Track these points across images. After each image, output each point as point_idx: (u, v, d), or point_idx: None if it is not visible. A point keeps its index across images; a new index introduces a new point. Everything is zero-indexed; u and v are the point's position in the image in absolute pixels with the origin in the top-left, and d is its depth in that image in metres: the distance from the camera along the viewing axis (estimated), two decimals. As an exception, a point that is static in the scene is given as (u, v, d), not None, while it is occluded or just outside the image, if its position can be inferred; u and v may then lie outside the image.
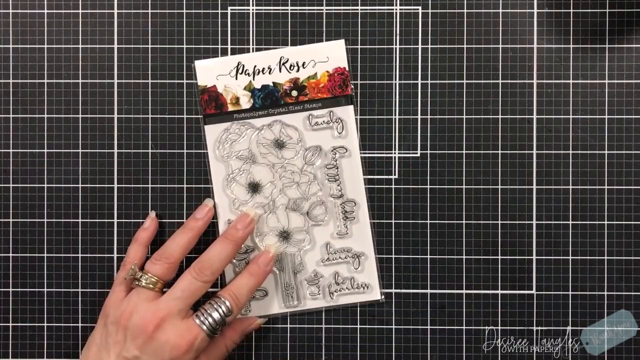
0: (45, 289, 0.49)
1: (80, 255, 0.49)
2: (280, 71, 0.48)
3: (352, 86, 0.48)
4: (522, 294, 0.48)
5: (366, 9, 0.48)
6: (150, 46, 0.49)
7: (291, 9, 0.49)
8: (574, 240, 0.48)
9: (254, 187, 0.48)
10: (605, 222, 0.48)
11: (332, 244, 0.48)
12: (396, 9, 0.48)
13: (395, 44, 0.48)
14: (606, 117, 0.48)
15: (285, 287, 0.48)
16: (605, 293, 0.48)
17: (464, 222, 0.48)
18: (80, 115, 0.49)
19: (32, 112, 0.49)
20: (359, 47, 0.48)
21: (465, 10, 0.48)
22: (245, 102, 0.48)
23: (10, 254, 0.49)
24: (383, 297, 0.48)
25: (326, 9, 0.48)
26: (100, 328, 0.43)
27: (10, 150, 0.49)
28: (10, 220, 0.49)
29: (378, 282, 0.48)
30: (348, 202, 0.48)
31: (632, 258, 0.48)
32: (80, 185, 0.49)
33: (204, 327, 0.43)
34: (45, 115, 0.49)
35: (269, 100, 0.48)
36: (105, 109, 0.49)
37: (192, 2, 0.49)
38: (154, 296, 0.43)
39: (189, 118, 0.49)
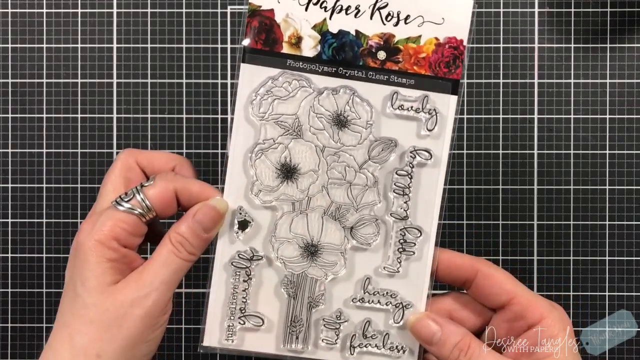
0: (44, 289, 0.49)
1: (79, 255, 0.49)
2: (371, 18, 0.33)
3: (464, 68, 0.34)
4: (522, 295, 0.48)
5: (366, 8, 0.48)
6: (149, 45, 0.49)
7: (291, 9, 0.48)
8: (574, 241, 0.48)
9: (288, 172, 0.34)
10: (607, 222, 0.48)
11: (374, 281, 0.34)
12: (397, 8, 0.48)
13: (396, 44, 0.48)
14: (607, 116, 0.48)
15: (292, 321, 0.34)
16: (606, 293, 0.48)
17: (464, 222, 0.48)
18: (79, 115, 0.49)
19: (31, 111, 0.49)
20: (359, 46, 0.48)
21: (466, 10, 0.48)
22: (309, 48, 0.33)
23: (10, 254, 0.49)
24: None
25: (326, 8, 0.48)
26: None
27: (9, 150, 0.49)
28: (9, 220, 0.49)
29: (419, 346, 0.35)
30: (411, 230, 0.34)
31: (633, 258, 0.48)
32: (79, 185, 0.49)
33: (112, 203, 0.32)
34: (44, 115, 0.49)
35: (344, 54, 0.33)
36: (104, 108, 0.49)
37: (191, 1, 0.48)
38: None
39: (189, 118, 0.48)
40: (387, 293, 0.34)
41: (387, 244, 0.34)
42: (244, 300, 0.34)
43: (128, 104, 0.49)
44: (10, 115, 0.49)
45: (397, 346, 0.35)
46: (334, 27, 0.33)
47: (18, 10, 0.49)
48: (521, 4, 0.48)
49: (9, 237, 0.49)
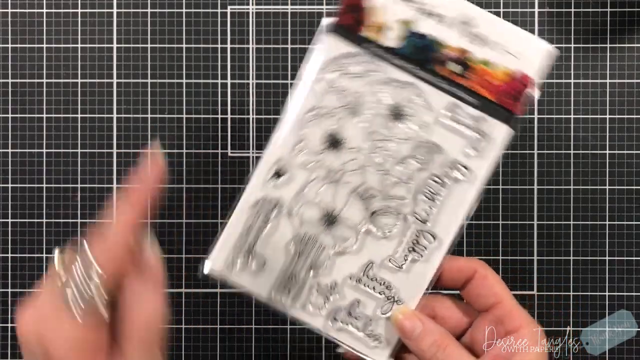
0: (44, 289, 0.49)
1: (79, 255, 0.49)
2: (457, 30, 0.35)
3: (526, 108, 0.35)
4: (523, 295, 0.48)
5: (366, 8, 0.48)
6: (149, 45, 0.49)
7: (291, 9, 0.48)
8: (574, 241, 0.48)
9: (334, 142, 0.35)
10: (607, 222, 0.48)
11: (375, 267, 0.35)
12: (397, 8, 0.48)
13: (396, 44, 0.48)
14: (607, 116, 0.48)
15: (290, 276, 0.35)
16: (606, 293, 0.48)
17: (464, 222, 0.48)
18: (79, 115, 0.49)
19: (30, 111, 0.49)
20: (359, 46, 0.48)
21: (466, 10, 0.48)
22: (390, 39, 0.35)
23: (9, 254, 0.49)
24: None
25: (326, 9, 0.48)
26: None
27: (9, 150, 0.49)
28: (9, 220, 0.49)
29: (391, 348, 0.35)
30: (427, 234, 0.35)
31: (633, 258, 0.48)
32: (79, 185, 0.49)
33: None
34: (44, 115, 0.49)
35: (420, 55, 0.35)
36: (104, 108, 0.49)
37: (191, 1, 0.48)
38: None
39: (189, 118, 0.48)
40: (384, 283, 0.35)
41: (401, 240, 0.35)
42: (254, 240, 0.35)
43: (128, 104, 0.49)
44: (10, 115, 0.49)
45: (375, 334, 0.35)
46: (419, 27, 0.35)
47: (18, 10, 0.49)
48: (521, 4, 0.48)
49: (9, 237, 0.49)
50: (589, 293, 0.48)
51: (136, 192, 0.31)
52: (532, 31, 0.48)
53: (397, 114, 0.35)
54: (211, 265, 0.35)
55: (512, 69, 0.35)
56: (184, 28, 0.49)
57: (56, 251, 0.30)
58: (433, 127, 0.35)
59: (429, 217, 0.35)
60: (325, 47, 0.35)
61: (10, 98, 0.49)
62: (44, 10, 0.49)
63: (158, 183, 0.31)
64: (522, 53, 0.35)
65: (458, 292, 0.37)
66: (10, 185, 0.49)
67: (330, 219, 0.35)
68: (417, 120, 0.35)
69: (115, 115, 0.49)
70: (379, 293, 0.35)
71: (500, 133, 0.35)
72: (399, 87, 0.35)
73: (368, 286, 0.35)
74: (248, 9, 0.48)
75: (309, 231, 0.35)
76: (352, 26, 0.35)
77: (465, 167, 0.35)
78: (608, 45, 0.48)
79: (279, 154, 0.35)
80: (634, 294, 0.48)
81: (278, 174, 0.35)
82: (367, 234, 0.35)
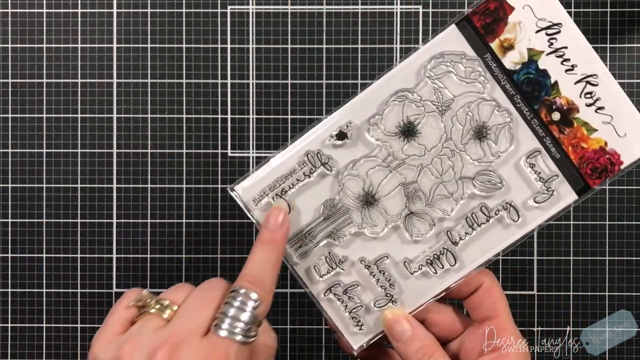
0: (44, 290, 0.49)
1: (79, 255, 0.49)
2: (575, 83, 0.33)
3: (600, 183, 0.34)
4: (523, 295, 0.48)
5: (366, 9, 0.48)
6: (149, 45, 0.49)
7: (291, 9, 0.48)
8: (574, 241, 0.48)
9: (408, 131, 0.35)
10: (607, 222, 0.48)
11: (388, 262, 0.35)
12: (396, 9, 0.48)
13: (396, 44, 0.48)
14: (607, 117, 0.48)
15: (306, 234, 0.35)
16: (606, 293, 0.48)
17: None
18: (79, 115, 0.49)
19: (30, 111, 0.49)
20: (359, 46, 0.48)
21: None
22: (511, 61, 0.34)
23: (9, 254, 0.49)
24: (357, 350, 0.36)
25: (326, 9, 0.48)
26: None
27: (9, 150, 0.49)
28: (9, 220, 0.49)
29: (369, 338, 0.36)
30: (450, 255, 0.35)
31: (633, 258, 0.48)
32: (79, 185, 0.49)
33: (235, 337, 0.30)
34: (44, 115, 0.49)
35: (530, 89, 0.34)
36: (104, 108, 0.49)
37: (191, 1, 0.48)
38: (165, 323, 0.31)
39: (189, 118, 0.48)
40: (389, 280, 0.35)
41: (424, 249, 0.35)
42: (291, 186, 0.35)
43: (128, 104, 0.49)
44: (10, 115, 0.49)
45: (359, 321, 0.36)
46: (543, 62, 0.33)
47: (18, 10, 0.49)
48: (521, 4, 0.48)
49: (9, 237, 0.49)
50: (589, 293, 0.48)
51: (275, 235, 0.34)
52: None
53: (479, 133, 0.34)
54: (240, 192, 0.35)
55: (608, 143, 0.33)
56: (184, 28, 0.49)
57: (131, 295, 0.33)
58: (507, 162, 0.34)
59: (460, 241, 0.35)
60: (449, 39, 0.34)
61: (10, 98, 0.49)
62: (44, 10, 0.49)
63: (288, 227, 0.34)
64: (629, 135, 0.33)
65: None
66: (10, 185, 0.49)
67: (368, 200, 0.35)
68: (496, 149, 0.34)
69: (115, 115, 0.49)
70: (381, 287, 0.35)
71: (567, 198, 0.34)
72: (496, 110, 0.34)
73: (374, 276, 0.35)
74: (248, 9, 0.48)
75: (344, 201, 0.35)
76: (484, 32, 0.34)
77: (518, 214, 0.34)
78: (608, 45, 0.48)
79: (350, 118, 0.35)
80: (634, 294, 0.48)
81: (340, 136, 0.35)
82: (395, 230, 0.35)
